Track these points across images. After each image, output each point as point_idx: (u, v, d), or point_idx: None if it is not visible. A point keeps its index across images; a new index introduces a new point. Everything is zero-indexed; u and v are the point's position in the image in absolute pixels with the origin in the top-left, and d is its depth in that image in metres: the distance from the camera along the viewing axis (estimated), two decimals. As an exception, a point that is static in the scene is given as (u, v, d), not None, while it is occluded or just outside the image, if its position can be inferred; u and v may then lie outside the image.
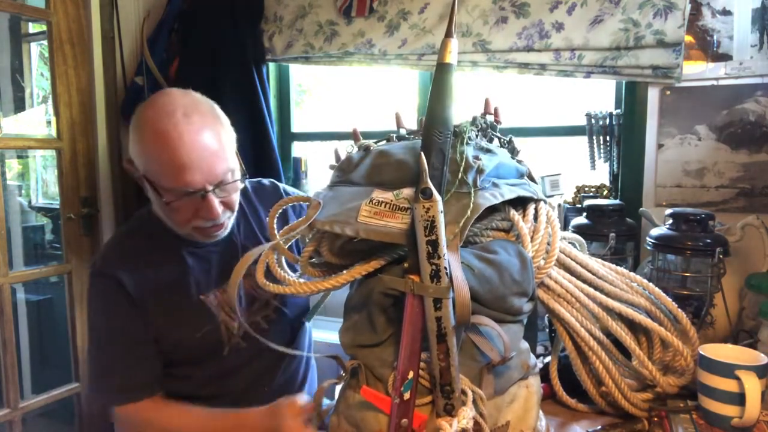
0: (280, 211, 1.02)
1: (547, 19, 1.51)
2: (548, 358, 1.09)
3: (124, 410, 1.11)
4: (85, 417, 2.01)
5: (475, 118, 0.88)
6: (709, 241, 1.14)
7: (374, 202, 0.76)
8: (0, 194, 1.72)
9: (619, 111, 1.57)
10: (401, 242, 0.72)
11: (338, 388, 0.87)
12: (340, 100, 2.38)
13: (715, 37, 1.40)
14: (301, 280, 0.86)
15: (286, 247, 0.91)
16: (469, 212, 0.72)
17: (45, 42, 2.03)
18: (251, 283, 1.14)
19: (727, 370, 0.85)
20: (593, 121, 1.58)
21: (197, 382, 1.15)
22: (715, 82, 1.41)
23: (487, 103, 0.93)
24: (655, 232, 1.22)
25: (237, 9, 1.90)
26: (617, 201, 1.47)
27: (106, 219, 2.03)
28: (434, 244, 0.66)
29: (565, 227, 1.41)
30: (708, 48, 1.41)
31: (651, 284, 0.98)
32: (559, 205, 1.51)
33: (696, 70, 1.42)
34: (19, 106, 2.53)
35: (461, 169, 0.75)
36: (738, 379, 0.83)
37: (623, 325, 0.93)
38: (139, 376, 1.10)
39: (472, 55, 1.61)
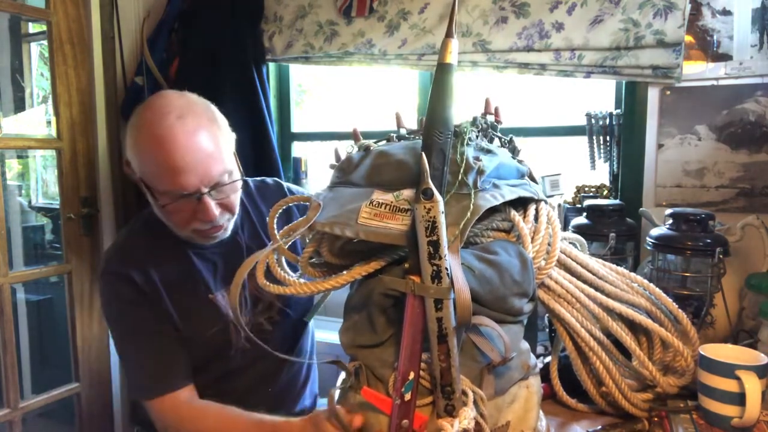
0: (285, 210, 1.02)
1: (547, 19, 1.51)
2: (548, 358, 1.09)
3: (159, 404, 1.08)
4: (85, 417, 2.01)
5: (475, 119, 0.88)
6: (709, 241, 1.14)
7: (374, 203, 0.76)
8: (0, 194, 1.71)
9: (619, 111, 1.57)
10: (401, 244, 0.72)
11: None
12: (340, 100, 2.38)
13: (715, 37, 1.40)
14: (302, 281, 0.86)
15: (287, 247, 0.91)
16: (469, 214, 0.72)
17: (45, 42, 2.02)
18: (255, 284, 1.14)
19: (727, 370, 0.85)
20: (593, 121, 1.58)
21: (202, 381, 1.14)
22: (715, 82, 1.41)
23: (487, 103, 0.92)
24: (655, 232, 1.22)
25: (237, 9, 1.90)
26: (617, 201, 1.47)
27: (106, 219, 2.03)
28: (435, 245, 0.66)
29: (565, 227, 1.41)
30: (708, 48, 1.41)
31: (651, 284, 0.98)
32: (559, 205, 1.51)
33: (696, 70, 1.42)
34: (19, 106, 2.53)
35: (461, 170, 0.75)
36: (738, 379, 0.83)
37: (623, 325, 0.93)
38: (168, 363, 1.10)
39: (472, 55, 1.61)
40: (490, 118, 0.91)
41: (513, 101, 1.92)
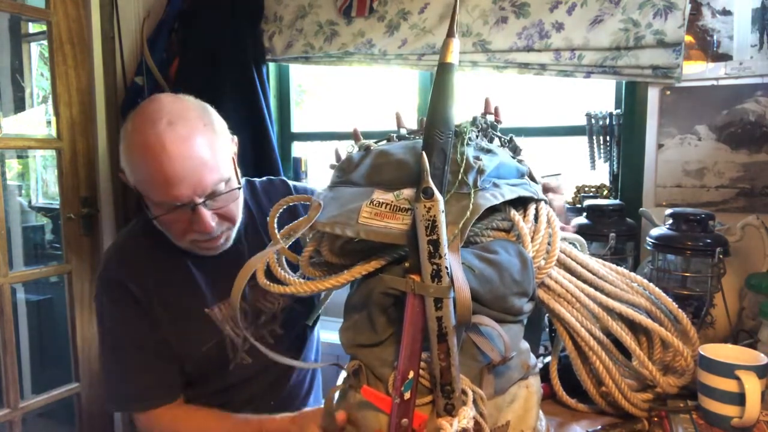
0: (290, 209, 0.99)
1: (547, 19, 1.52)
2: (548, 358, 1.09)
3: (146, 417, 1.07)
4: (85, 417, 2.01)
5: (475, 118, 0.88)
6: (709, 241, 1.14)
7: (375, 203, 0.76)
8: (0, 194, 1.72)
9: (619, 111, 1.58)
10: (401, 243, 0.72)
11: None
12: (340, 100, 2.38)
13: (715, 37, 1.40)
14: (302, 281, 0.85)
15: (287, 247, 0.90)
16: (468, 213, 0.72)
17: (45, 42, 2.03)
18: (257, 296, 1.12)
19: (727, 370, 0.85)
20: (593, 121, 1.58)
21: (200, 396, 1.11)
22: (715, 82, 1.41)
23: (487, 102, 0.92)
24: (655, 232, 1.22)
25: (237, 9, 1.90)
26: (617, 201, 1.47)
27: (106, 219, 2.03)
28: (435, 244, 0.66)
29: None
30: (708, 48, 1.41)
31: (651, 284, 0.98)
32: (559, 205, 1.51)
33: (696, 70, 1.42)
34: (19, 106, 2.53)
35: (461, 169, 0.75)
36: (738, 379, 0.83)
37: (623, 325, 0.93)
38: (157, 381, 1.07)
39: (472, 55, 1.61)
40: (490, 118, 0.91)
41: (513, 101, 1.92)
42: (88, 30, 1.94)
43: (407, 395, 0.70)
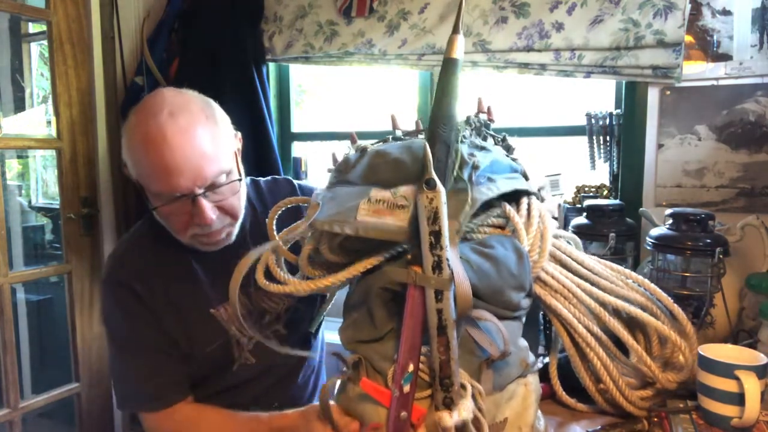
0: (294, 209, 0.99)
1: (547, 19, 1.52)
2: (548, 358, 1.09)
3: (156, 416, 1.07)
4: (85, 417, 2.01)
5: (468, 117, 0.89)
6: (709, 241, 1.13)
7: (372, 200, 0.76)
8: (0, 194, 1.72)
9: (619, 111, 1.57)
10: (400, 239, 0.72)
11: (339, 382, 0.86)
12: (340, 100, 2.38)
13: (715, 37, 1.40)
14: (301, 280, 0.85)
15: (287, 248, 0.90)
16: (467, 207, 0.72)
17: (45, 42, 2.03)
18: (261, 296, 1.11)
19: (726, 370, 0.85)
20: (593, 121, 1.58)
21: (203, 395, 1.11)
22: (715, 82, 1.41)
23: (479, 102, 0.94)
24: (655, 232, 1.21)
25: (237, 9, 1.90)
26: (617, 201, 1.47)
27: (106, 219, 2.03)
28: (437, 235, 0.66)
29: (565, 227, 1.41)
30: (708, 48, 1.41)
31: (647, 281, 0.98)
32: (559, 205, 1.51)
33: (696, 70, 1.42)
34: (19, 106, 2.53)
35: (457, 165, 0.75)
36: (738, 379, 0.83)
37: (620, 321, 0.93)
38: (170, 379, 1.07)
39: (472, 55, 1.61)
40: (483, 117, 0.92)
41: (513, 101, 1.92)
42: (88, 30, 1.94)
43: (407, 388, 0.70)
